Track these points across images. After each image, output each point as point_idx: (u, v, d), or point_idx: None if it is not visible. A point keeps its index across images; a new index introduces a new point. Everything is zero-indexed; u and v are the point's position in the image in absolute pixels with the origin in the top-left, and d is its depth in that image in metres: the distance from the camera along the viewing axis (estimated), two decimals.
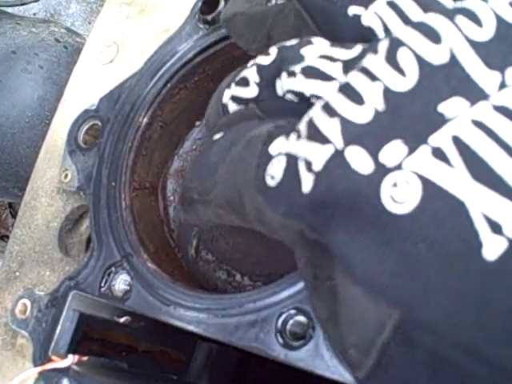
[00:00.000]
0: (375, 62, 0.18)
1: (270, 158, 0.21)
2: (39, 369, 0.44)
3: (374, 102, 0.18)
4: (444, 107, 0.16)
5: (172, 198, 0.57)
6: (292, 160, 0.19)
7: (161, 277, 0.44)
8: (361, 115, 0.18)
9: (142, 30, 0.56)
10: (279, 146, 0.21)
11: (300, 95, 0.22)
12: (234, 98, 0.26)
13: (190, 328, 0.41)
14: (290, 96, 0.23)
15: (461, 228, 0.14)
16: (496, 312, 0.14)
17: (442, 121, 0.16)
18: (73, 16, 1.67)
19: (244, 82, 0.25)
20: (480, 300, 0.14)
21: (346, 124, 0.18)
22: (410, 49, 0.18)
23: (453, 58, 0.17)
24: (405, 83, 0.17)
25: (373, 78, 0.18)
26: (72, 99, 0.58)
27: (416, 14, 0.19)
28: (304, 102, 0.22)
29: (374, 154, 0.17)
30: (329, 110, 0.19)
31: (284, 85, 0.23)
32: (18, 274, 0.54)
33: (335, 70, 0.21)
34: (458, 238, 0.14)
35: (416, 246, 0.15)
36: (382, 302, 0.16)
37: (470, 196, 0.14)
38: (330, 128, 0.18)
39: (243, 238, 0.53)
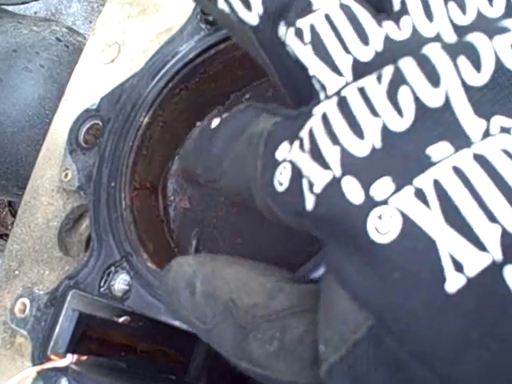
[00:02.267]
0: (377, 93, 0.19)
1: (276, 162, 0.21)
2: (38, 368, 0.44)
3: (373, 138, 0.19)
4: (431, 150, 0.18)
5: (172, 198, 0.57)
6: (297, 172, 0.20)
7: (160, 276, 0.44)
8: (360, 148, 0.19)
9: (143, 29, 0.56)
10: (284, 153, 0.21)
11: (300, 64, 0.22)
12: (233, 10, 0.24)
13: (190, 328, 0.41)
14: (289, 50, 0.23)
15: (430, 262, 0.17)
16: (449, 334, 0.16)
17: (427, 164, 0.17)
18: (74, 15, 1.67)
19: (246, 4, 0.24)
20: (438, 323, 0.16)
21: (345, 154, 0.19)
22: (411, 89, 0.18)
23: (447, 101, 0.18)
24: (402, 124, 0.18)
25: (374, 112, 0.19)
26: (73, 98, 0.58)
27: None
28: (302, 72, 0.22)
29: (366, 187, 0.18)
30: (331, 134, 0.19)
31: (288, 41, 0.22)
32: (17, 272, 0.54)
33: (345, 62, 0.21)
34: (427, 270, 0.17)
35: (392, 272, 0.17)
36: (363, 308, 0.18)
37: (440, 236, 0.17)
38: (331, 155, 0.19)
39: (242, 239, 0.53)
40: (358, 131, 0.19)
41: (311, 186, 0.20)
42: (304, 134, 0.21)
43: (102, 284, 0.46)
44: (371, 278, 0.18)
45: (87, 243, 0.56)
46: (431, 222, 0.17)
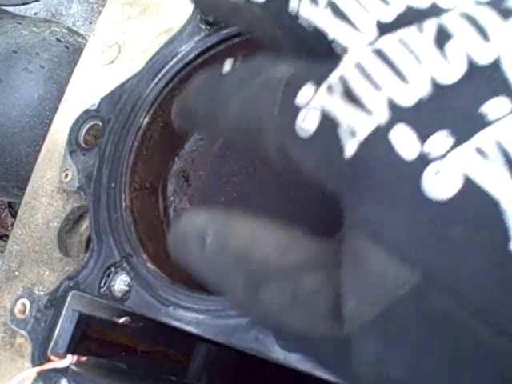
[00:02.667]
0: (422, 44, 0.18)
1: (297, 107, 0.20)
2: (38, 369, 0.44)
3: (420, 87, 0.18)
4: (487, 107, 0.17)
5: (172, 198, 0.57)
6: (329, 119, 0.19)
7: (160, 277, 0.44)
8: (406, 97, 0.18)
9: (143, 30, 0.56)
10: (308, 96, 0.20)
11: (318, 32, 0.21)
12: None
13: (190, 329, 0.41)
14: (304, 23, 0.22)
15: (493, 222, 0.16)
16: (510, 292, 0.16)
17: (485, 121, 0.17)
18: (74, 16, 1.67)
19: None
20: (501, 280, 0.16)
21: (390, 101, 0.18)
22: (460, 42, 0.18)
23: (497, 59, 0.17)
24: (451, 76, 0.17)
25: (419, 61, 0.18)
26: (73, 99, 0.58)
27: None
28: (320, 41, 0.21)
29: (421, 140, 0.17)
30: (371, 80, 0.18)
31: (302, 11, 0.21)
32: (17, 273, 0.54)
33: (368, 22, 0.20)
34: (489, 229, 0.16)
35: (448, 229, 0.16)
36: (406, 264, 0.17)
37: (505, 197, 0.16)
38: (375, 101, 0.18)
39: None
40: (402, 79, 0.18)
41: (352, 132, 0.18)
42: (333, 80, 0.19)
43: (102, 285, 0.46)
44: (420, 234, 0.17)
45: (87, 244, 0.56)
46: (495, 180, 0.16)
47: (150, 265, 0.45)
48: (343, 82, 0.19)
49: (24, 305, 0.50)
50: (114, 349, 0.48)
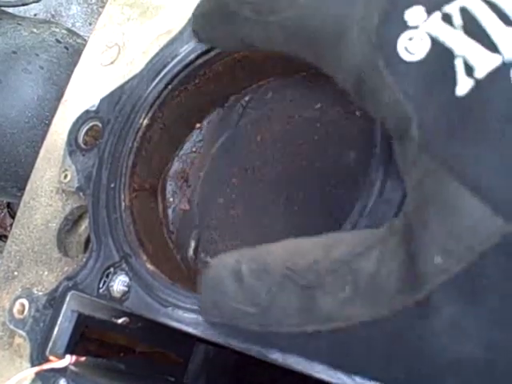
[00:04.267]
0: None
1: (405, 24, 0.19)
2: (36, 369, 0.44)
3: None
4: None
5: (172, 199, 0.57)
6: (443, 49, 0.18)
7: (159, 278, 0.44)
8: None
9: (143, 31, 0.57)
10: (418, 19, 0.19)
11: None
12: None
13: (189, 330, 0.41)
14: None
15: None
16: None
17: None
18: (73, 17, 1.67)
19: None
20: None
21: None
22: None
23: None
24: None
25: None
26: (72, 100, 0.58)
27: None
28: None
29: None
30: (501, 14, 0.17)
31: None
32: (16, 273, 0.54)
33: None
34: None
35: None
36: (499, 213, 0.16)
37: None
38: (504, 37, 0.17)
39: (242, 241, 0.53)
40: None
41: (469, 68, 0.17)
42: (453, 9, 0.18)
43: (100, 285, 0.46)
44: None
45: (86, 244, 0.56)
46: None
47: (149, 265, 0.45)
48: (465, 12, 0.18)
49: (23, 305, 0.50)
50: (113, 349, 0.48)
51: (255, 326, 0.23)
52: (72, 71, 0.60)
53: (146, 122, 0.51)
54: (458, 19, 0.18)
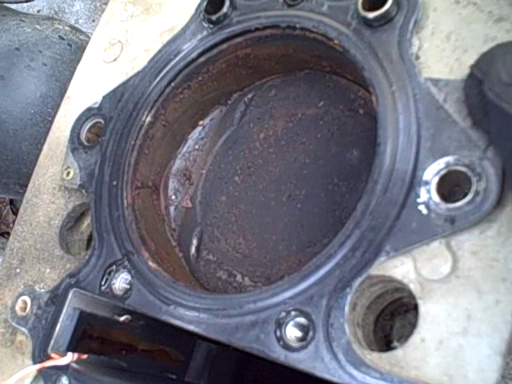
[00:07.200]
0: None
1: None
2: (38, 366, 0.44)
3: None
4: None
5: (174, 197, 0.57)
6: None
7: (161, 276, 0.44)
8: None
9: (146, 28, 0.56)
10: None
11: None
12: None
13: (191, 328, 0.41)
14: None
15: None
16: None
17: None
18: (77, 14, 1.67)
19: None
20: None
21: None
22: None
23: None
24: None
25: None
26: (75, 97, 0.58)
27: None
28: None
29: None
30: None
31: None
32: (18, 270, 0.54)
33: None
34: None
35: None
36: None
37: None
38: None
39: (244, 238, 0.53)
40: None
41: None
42: None
43: (102, 283, 0.46)
44: None
45: (88, 242, 0.56)
46: None
47: (151, 263, 0.45)
48: None
49: (25, 302, 0.50)
50: (115, 347, 0.48)
51: None
52: (75, 68, 0.60)
53: (148, 119, 0.51)
54: None
